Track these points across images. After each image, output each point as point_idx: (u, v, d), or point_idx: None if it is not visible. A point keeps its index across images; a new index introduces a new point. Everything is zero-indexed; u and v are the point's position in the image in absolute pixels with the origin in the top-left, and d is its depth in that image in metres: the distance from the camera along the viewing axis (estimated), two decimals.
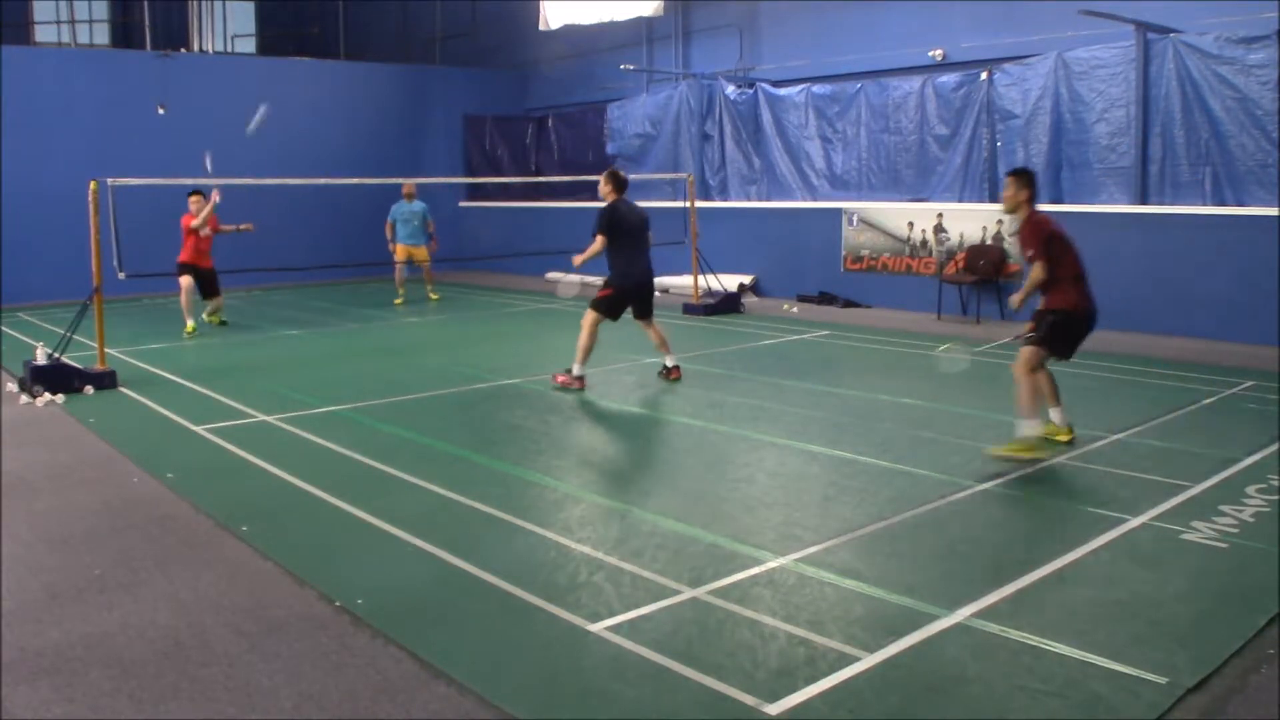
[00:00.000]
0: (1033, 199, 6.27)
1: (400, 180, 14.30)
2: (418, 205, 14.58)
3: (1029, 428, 5.99)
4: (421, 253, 14.66)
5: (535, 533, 4.92)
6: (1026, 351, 6.13)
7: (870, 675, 3.45)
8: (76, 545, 4.83)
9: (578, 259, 8.44)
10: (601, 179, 8.54)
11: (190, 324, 11.76)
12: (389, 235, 14.59)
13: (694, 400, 7.86)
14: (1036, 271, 6.31)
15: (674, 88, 17.10)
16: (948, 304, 12.77)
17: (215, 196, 11.82)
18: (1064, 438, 6.41)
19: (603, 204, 8.42)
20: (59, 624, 3.93)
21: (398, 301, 14.58)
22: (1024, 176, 6.31)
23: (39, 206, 15.25)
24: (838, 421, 7.31)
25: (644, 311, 8.57)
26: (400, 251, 14.60)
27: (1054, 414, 6.44)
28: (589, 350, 8.28)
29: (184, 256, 11.99)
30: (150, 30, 18.16)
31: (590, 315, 8.31)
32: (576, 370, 8.26)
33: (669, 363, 8.60)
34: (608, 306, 8.38)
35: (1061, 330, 6.20)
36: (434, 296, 15.09)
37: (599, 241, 8.24)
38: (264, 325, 12.65)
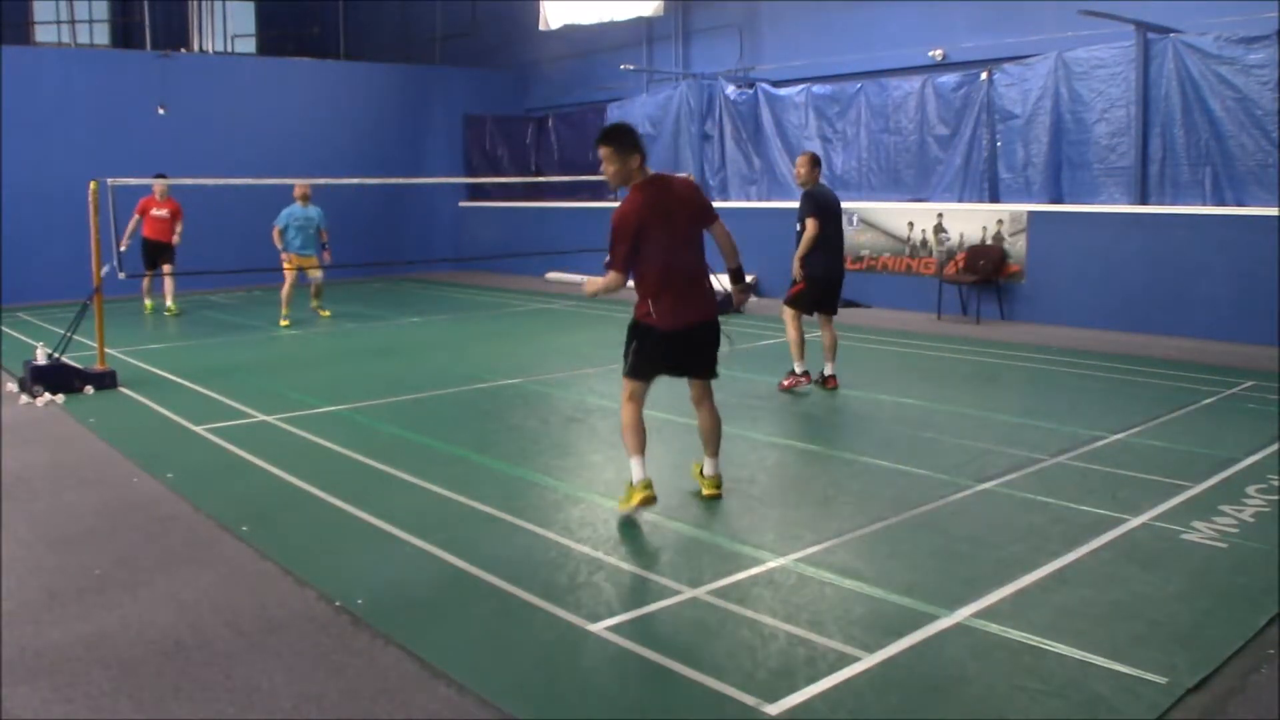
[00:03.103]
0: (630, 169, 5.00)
1: (302, 180, 12.93)
2: (313, 211, 12.75)
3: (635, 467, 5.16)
4: (314, 264, 12.89)
5: (535, 533, 4.92)
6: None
7: (870, 675, 3.45)
8: (76, 545, 4.83)
9: (798, 269, 8.07)
10: (801, 161, 8.21)
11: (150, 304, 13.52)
12: (278, 243, 12.61)
13: None
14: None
15: (674, 88, 17.10)
16: (948, 304, 12.77)
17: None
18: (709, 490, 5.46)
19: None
20: (59, 624, 3.93)
21: (284, 323, 12.46)
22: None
23: (39, 206, 15.26)
24: (838, 421, 7.31)
25: (831, 307, 8.30)
26: (291, 263, 12.63)
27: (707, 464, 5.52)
28: (801, 344, 8.15)
29: (147, 232, 13.11)
30: (150, 30, 18.17)
31: (788, 312, 8.19)
32: (798, 369, 8.19)
33: (828, 371, 8.24)
34: (803, 302, 8.15)
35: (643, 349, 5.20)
36: (324, 313, 13.17)
37: (813, 226, 7.90)
38: (264, 325, 12.65)
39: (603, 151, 5.01)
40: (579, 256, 16.48)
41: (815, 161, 8.16)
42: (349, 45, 22.37)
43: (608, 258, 4.99)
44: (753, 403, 7.82)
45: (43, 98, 15.63)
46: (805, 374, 8.17)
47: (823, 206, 8.00)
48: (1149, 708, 3.22)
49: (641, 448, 5.12)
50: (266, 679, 3.47)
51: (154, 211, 13.05)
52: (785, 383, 8.19)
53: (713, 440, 5.40)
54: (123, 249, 12.45)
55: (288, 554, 4.63)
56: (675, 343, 5.12)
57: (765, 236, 15.22)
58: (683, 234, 5.08)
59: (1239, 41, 10.76)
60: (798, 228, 8.10)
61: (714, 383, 5.39)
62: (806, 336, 8.36)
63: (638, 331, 5.14)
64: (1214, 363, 9.34)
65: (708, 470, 5.44)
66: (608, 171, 5.04)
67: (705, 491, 5.39)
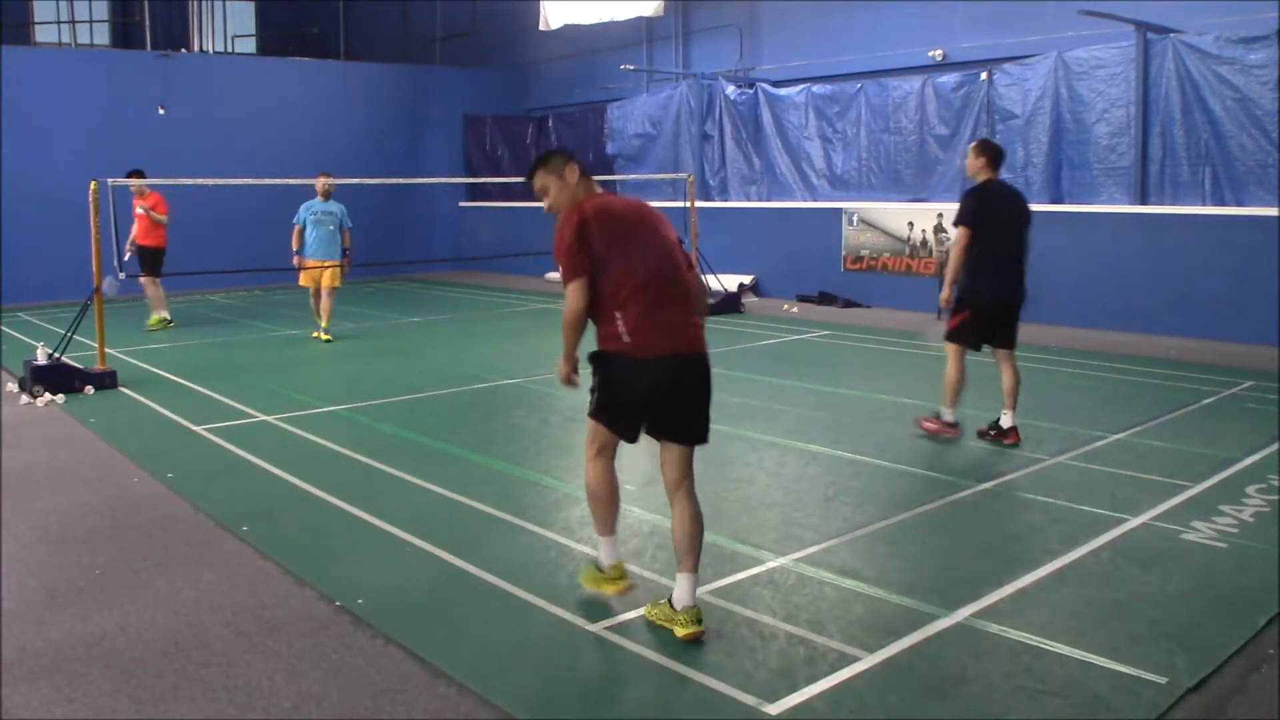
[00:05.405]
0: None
1: (305, 178, 11.30)
2: (334, 205, 11.03)
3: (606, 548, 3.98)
4: (331, 272, 10.92)
5: (535, 533, 4.92)
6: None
7: (870, 675, 3.45)
8: (76, 545, 4.82)
9: (946, 294, 6.46)
10: (972, 148, 6.49)
11: (166, 315, 12.20)
12: (295, 245, 11.00)
13: None
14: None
15: (674, 88, 17.11)
16: None
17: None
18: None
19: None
20: (59, 624, 3.93)
21: (321, 335, 11.10)
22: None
23: (39, 206, 15.26)
24: (838, 421, 7.31)
25: (1006, 338, 6.53)
26: (308, 272, 10.87)
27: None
28: (958, 388, 6.52)
29: (155, 241, 11.96)
30: (150, 30, 18.18)
31: (950, 347, 6.54)
32: (948, 416, 6.58)
33: (1005, 422, 6.46)
34: (968, 334, 6.49)
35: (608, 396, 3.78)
36: (325, 337, 10.97)
37: (962, 236, 6.27)
38: (264, 325, 12.65)
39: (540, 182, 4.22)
40: None
41: (985, 149, 6.39)
42: (349, 45, 22.37)
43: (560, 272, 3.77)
44: (751, 403, 7.82)
45: (43, 98, 15.63)
46: (954, 425, 6.55)
47: (984, 210, 6.29)
48: (1149, 708, 3.22)
49: (614, 522, 3.90)
50: (266, 679, 3.47)
51: (137, 210, 11.86)
52: (929, 425, 6.64)
53: (692, 549, 3.74)
54: (126, 256, 12.11)
55: (288, 554, 4.63)
56: (657, 380, 3.65)
57: (765, 236, 15.26)
58: (661, 243, 3.82)
59: (1239, 41, 10.76)
60: (954, 231, 6.51)
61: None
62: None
63: (602, 362, 3.74)
64: (1214, 363, 9.34)
65: (681, 596, 3.71)
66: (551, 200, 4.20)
67: (681, 632, 3.65)
